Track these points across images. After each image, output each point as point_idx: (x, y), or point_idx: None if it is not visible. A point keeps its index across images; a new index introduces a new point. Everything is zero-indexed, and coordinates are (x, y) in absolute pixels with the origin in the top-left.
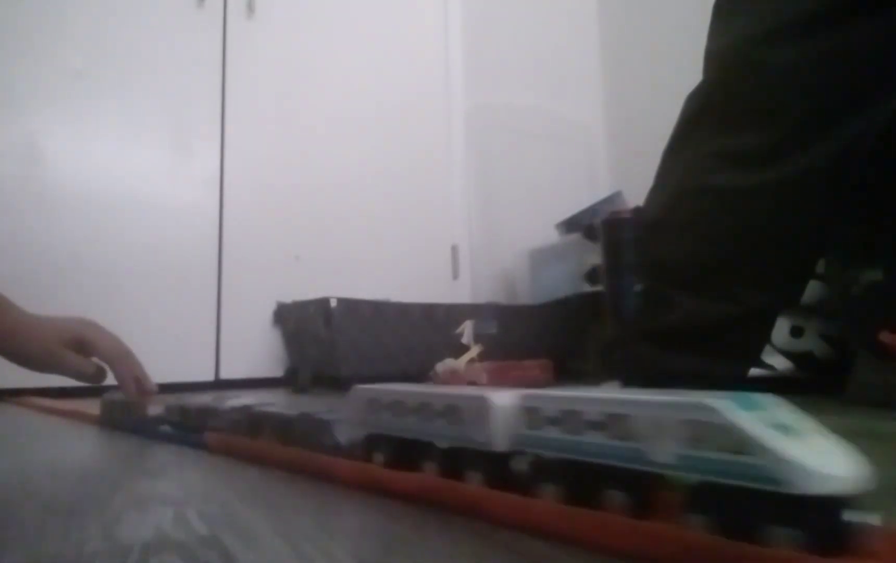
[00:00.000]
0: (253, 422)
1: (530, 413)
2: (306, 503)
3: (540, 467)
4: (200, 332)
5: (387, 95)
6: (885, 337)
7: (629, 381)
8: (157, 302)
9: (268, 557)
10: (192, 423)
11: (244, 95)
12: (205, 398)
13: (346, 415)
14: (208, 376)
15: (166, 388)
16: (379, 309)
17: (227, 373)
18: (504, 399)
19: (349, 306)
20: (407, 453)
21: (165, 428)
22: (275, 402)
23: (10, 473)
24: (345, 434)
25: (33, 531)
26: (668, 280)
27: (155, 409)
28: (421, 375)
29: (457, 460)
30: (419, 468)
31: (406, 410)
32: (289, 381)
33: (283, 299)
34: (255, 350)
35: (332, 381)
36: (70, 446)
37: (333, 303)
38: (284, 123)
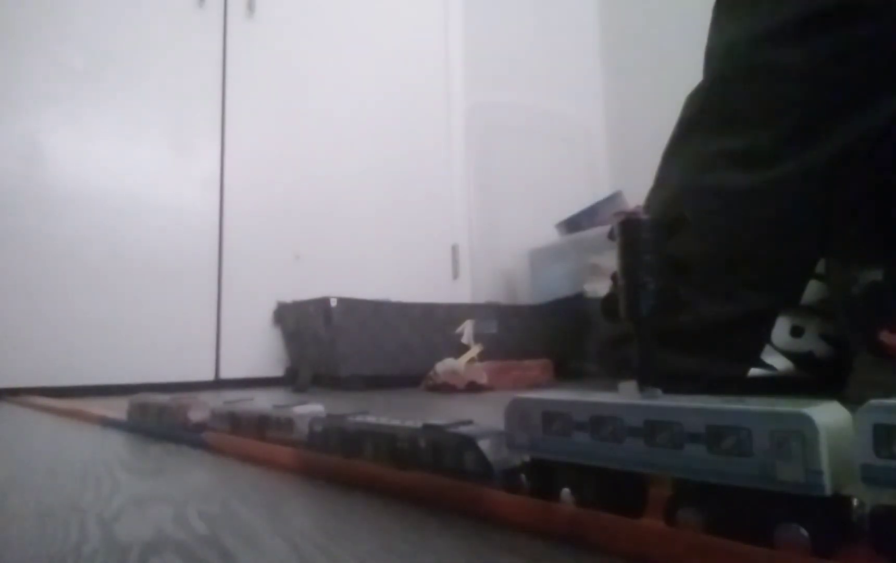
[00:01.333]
0: (348, 437)
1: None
2: (305, 502)
3: None
4: (200, 331)
5: (387, 93)
6: (885, 337)
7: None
8: (157, 301)
9: (267, 557)
10: (246, 434)
11: (244, 94)
12: (261, 404)
13: (493, 431)
14: (208, 376)
15: (166, 387)
16: (378, 309)
17: (227, 373)
18: (828, 416)
19: (349, 305)
20: (608, 489)
21: (209, 437)
22: (355, 410)
23: (11, 472)
24: (494, 455)
25: (33, 530)
26: (680, 280)
27: (197, 414)
28: (421, 375)
29: (736, 507)
30: (637, 512)
31: (619, 430)
32: (289, 380)
33: (283, 299)
34: (255, 350)
35: (332, 380)
36: (71, 445)
37: (333, 302)
38: (284, 122)
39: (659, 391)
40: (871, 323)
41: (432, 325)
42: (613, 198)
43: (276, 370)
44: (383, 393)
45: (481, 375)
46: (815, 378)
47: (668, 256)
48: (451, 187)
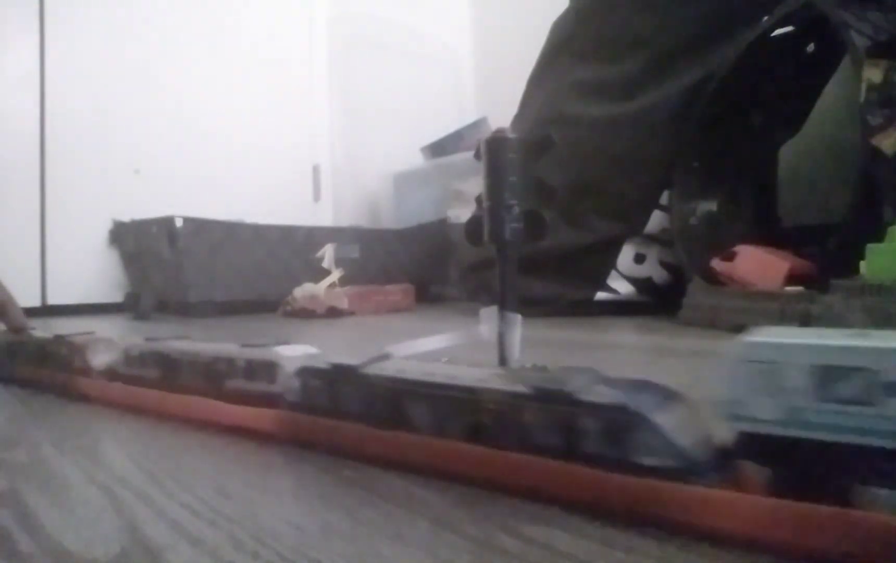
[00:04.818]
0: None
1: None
2: (132, 443)
3: None
4: (22, 250)
5: None
6: (716, 264)
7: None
8: None
9: (77, 512)
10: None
11: None
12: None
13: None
14: (34, 302)
15: None
16: (232, 230)
17: (55, 298)
18: None
19: (197, 226)
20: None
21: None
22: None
23: None
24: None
25: None
26: (546, 204)
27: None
28: (279, 301)
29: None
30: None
31: None
32: (129, 307)
33: (121, 217)
34: (88, 273)
35: (180, 306)
36: None
37: (179, 222)
38: (121, 16)
39: (519, 317)
40: (704, 251)
41: (291, 248)
42: (479, 124)
43: (115, 296)
44: (236, 320)
45: (342, 300)
46: (654, 302)
47: (534, 178)
48: (313, 102)
